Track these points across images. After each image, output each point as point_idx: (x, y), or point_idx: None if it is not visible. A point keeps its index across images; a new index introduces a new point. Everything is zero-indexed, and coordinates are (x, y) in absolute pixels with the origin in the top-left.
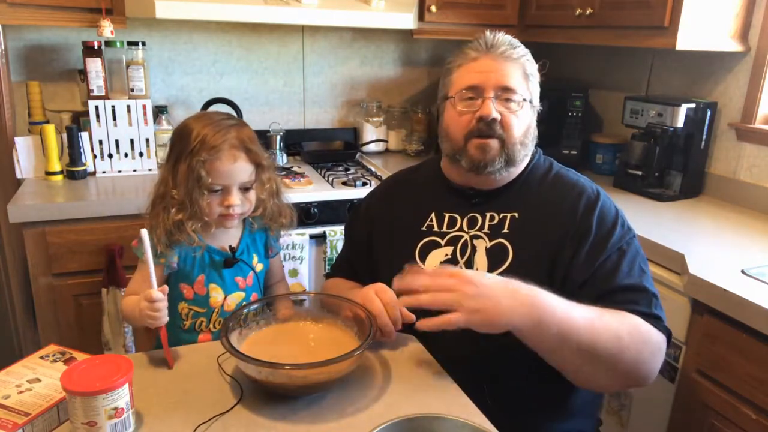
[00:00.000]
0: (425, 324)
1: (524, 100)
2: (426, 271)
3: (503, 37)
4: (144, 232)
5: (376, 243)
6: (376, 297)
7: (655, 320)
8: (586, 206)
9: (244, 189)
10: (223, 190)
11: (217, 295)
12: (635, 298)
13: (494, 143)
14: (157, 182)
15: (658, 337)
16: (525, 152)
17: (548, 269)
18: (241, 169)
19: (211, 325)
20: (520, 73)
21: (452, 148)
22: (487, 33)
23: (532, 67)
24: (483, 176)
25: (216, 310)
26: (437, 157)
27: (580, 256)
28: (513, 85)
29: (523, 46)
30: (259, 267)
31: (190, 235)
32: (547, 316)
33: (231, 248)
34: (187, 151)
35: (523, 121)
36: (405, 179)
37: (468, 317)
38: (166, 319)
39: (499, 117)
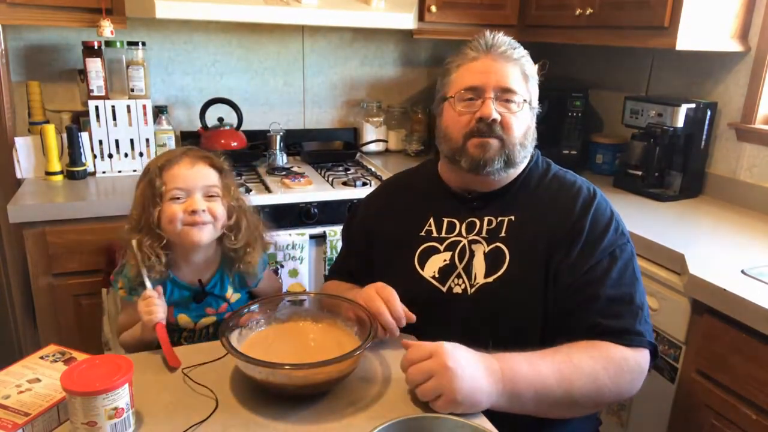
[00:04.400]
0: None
1: (524, 101)
2: (407, 343)
3: (503, 38)
4: (134, 243)
5: (375, 248)
6: (378, 295)
7: (637, 336)
8: (582, 207)
9: (208, 197)
10: (186, 196)
11: (186, 323)
12: (620, 311)
13: (494, 142)
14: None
15: (637, 357)
16: (524, 154)
17: (544, 272)
18: (202, 173)
19: (183, 341)
20: (520, 73)
21: (451, 149)
22: (487, 33)
23: (531, 68)
24: (482, 177)
25: (187, 329)
26: (434, 159)
27: (570, 258)
28: (513, 86)
29: (522, 47)
30: (234, 297)
31: (153, 257)
32: (520, 385)
33: (200, 282)
34: (145, 175)
35: (522, 122)
36: (402, 183)
37: (452, 408)
38: (163, 315)
39: (499, 118)
